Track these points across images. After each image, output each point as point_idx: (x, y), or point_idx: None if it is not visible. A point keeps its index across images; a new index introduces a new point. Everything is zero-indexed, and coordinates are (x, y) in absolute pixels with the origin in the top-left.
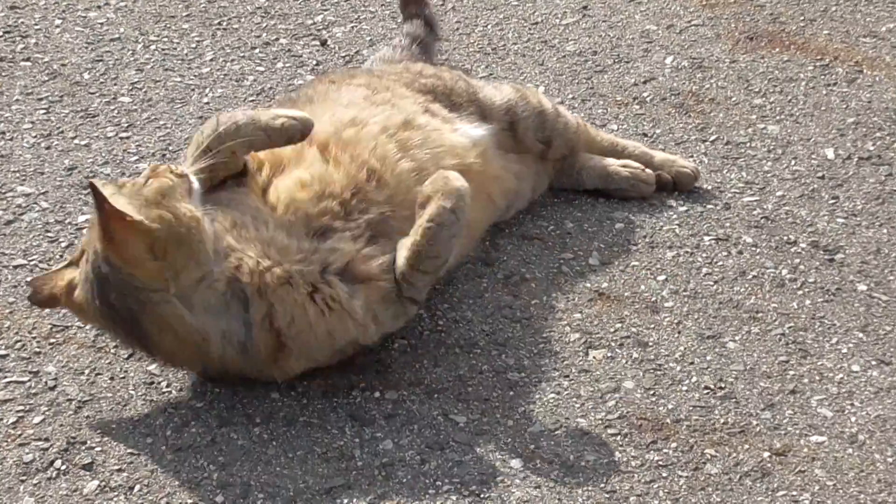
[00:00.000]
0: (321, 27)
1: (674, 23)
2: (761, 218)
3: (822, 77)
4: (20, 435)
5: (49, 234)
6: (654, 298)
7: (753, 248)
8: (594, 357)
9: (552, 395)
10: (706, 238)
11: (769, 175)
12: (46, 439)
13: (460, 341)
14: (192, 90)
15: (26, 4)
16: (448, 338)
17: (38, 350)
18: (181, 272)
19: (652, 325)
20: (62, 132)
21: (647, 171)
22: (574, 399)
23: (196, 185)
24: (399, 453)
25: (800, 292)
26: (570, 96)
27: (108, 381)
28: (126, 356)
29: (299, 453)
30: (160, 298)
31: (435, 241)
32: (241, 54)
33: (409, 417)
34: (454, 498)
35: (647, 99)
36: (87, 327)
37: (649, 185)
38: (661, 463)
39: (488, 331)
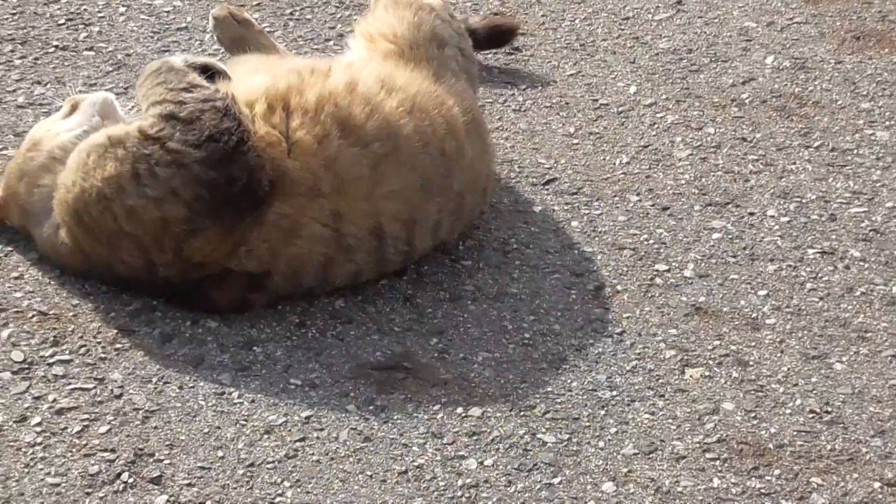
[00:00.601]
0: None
1: (775, 20)
2: (870, 231)
3: None
4: (85, 445)
5: None
6: (754, 315)
7: (861, 263)
8: (691, 376)
9: (646, 416)
10: (810, 251)
11: (878, 185)
12: (113, 450)
13: (548, 356)
14: None
15: None
16: (535, 352)
17: (103, 356)
18: None
19: (753, 343)
20: None
21: None
22: (670, 420)
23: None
24: (483, 474)
25: None
26: (664, 97)
27: (177, 391)
28: (196, 364)
29: (378, 471)
30: None
31: None
32: (315, 46)
33: (493, 436)
34: None
35: (747, 101)
36: (154, 332)
37: None
38: (763, 491)
39: (577, 345)
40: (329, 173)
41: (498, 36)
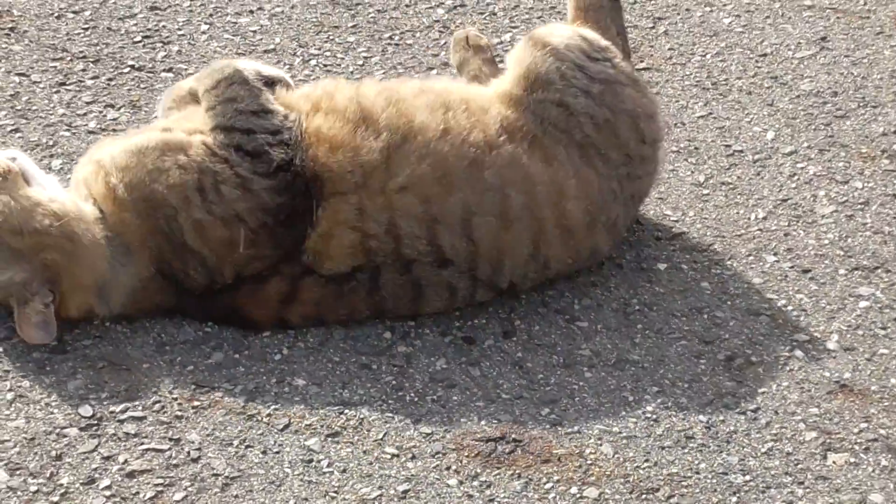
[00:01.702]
0: (508, 46)
1: None
2: None
3: None
4: None
5: None
6: None
7: None
8: (834, 462)
9: None
10: None
11: None
12: None
13: (673, 432)
14: None
15: (168, 6)
16: (658, 427)
17: (179, 414)
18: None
19: None
20: None
21: None
22: None
23: (23, 164)
24: None
25: None
26: (806, 145)
27: (260, 456)
28: (282, 427)
29: None
30: None
31: None
32: (416, 74)
33: None
34: None
35: None
36: (235, 389)
37: None
38: None
39: (706, 422)
40: (354, 165)
41: None
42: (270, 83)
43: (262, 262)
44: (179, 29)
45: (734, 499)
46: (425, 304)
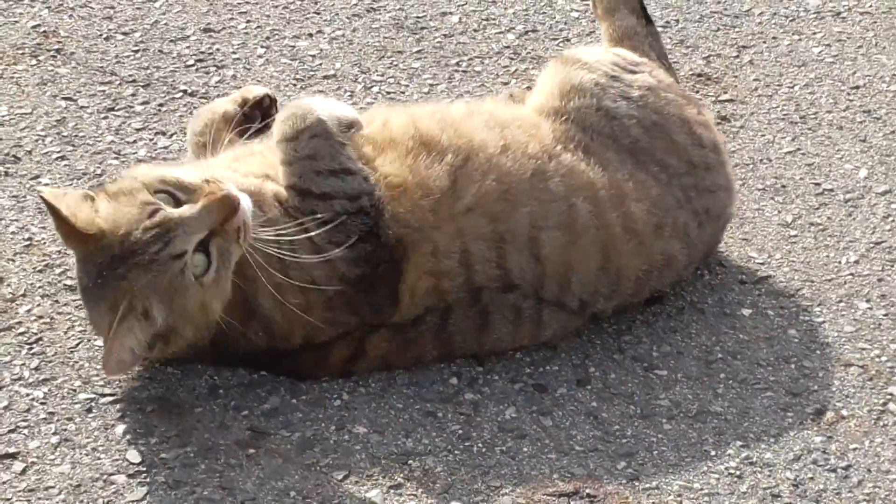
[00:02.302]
0: None
1: None
2: None
3: None
4: None
5: None
6: None
7: None
8: None
9: None
10: None
11: None
12: None
13: (758, 490)
14: None
15: (223, 28)
16: (742, 484)
17: (233, 461)
18: None
19: None
20: None
21: None
22: None
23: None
24: None
25: None
26: None
27: None
28: (341, 477)
29: None
30: None
31: None
32: None
33: None
34: None
35: None
36: (293, 436)
37: None
38: None
39: (794, 479)
40: (427, 205)
41: None
42: (347, 128)
43: (334, 328)
44: (234, 52)
45: None
46: (492, 332)
